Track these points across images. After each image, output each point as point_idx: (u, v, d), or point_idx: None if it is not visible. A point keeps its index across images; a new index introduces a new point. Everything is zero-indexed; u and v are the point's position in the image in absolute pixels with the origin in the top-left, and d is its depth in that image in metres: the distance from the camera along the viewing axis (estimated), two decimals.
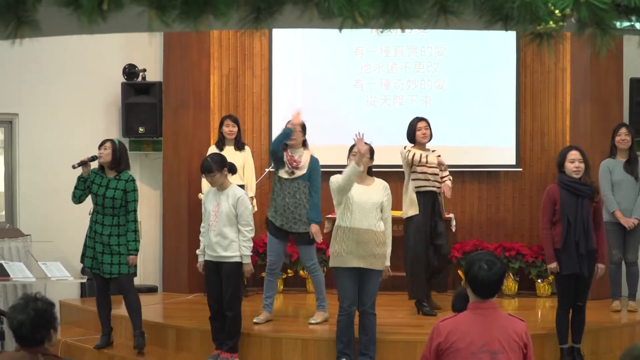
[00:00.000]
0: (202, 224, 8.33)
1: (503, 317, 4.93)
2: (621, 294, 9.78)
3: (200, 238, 8.34)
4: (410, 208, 9.36)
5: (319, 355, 8.30)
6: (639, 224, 9.45)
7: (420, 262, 9.34)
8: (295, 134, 8.77)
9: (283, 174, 8.80)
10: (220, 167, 8.07)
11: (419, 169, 9.29)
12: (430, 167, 9.34)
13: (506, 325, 4.85)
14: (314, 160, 8.86)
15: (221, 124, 10.18)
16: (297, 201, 8.75)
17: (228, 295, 8.14)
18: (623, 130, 9.54)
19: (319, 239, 8.84)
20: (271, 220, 8.85)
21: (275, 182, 8.91)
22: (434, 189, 9.36)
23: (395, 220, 10.67)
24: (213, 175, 8.04)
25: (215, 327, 8.29)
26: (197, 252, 8.39)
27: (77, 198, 8.61)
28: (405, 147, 9.44)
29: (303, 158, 8.82)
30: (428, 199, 9.34)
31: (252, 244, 8.19)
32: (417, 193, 9.33)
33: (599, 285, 9.48)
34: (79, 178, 8.56)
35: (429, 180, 9.32)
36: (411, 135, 9.48)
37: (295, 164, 8.76)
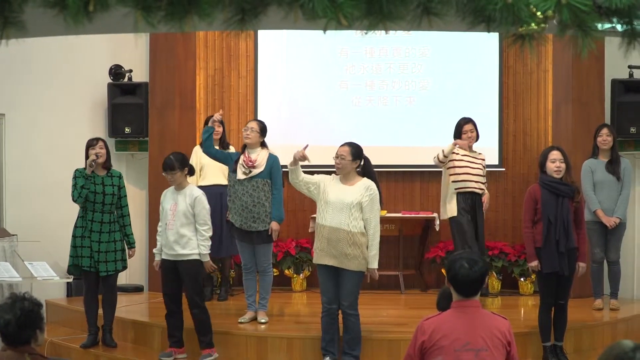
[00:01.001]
0: (160, 224, 8.38)
1: (486, 315, 4.97)
2: (603, 292, 9.85)
3: (158, 237, 8.38)
4: (450, 210, 9.37)
5: (304, 354, 8.32)
6: (620, 223, 9.53)
7: None
8: (248, 132, 8.86)
9: (240, 175, 8.79)
10: (182, 166, 8.15)
11: (459, 169, 9.30)
12: (474, 167, 9.37)
13: (489, 323, 4.89)
14: (272, 158, 8.86)
15: (206, 124, 10.20)
16: (255, 200, 8.73)
17: (190, 293, 8.18)
18: (604, 130, 9.60)
19: (275, 236, 8.87)
20: (232, 222, 8.89)
21: (231, 185, 8.91)
22: (476, 189, 9.38)
23: (388, 220, 10.76)
24: (174, 173, 8.11)
25: (171, 325, 8.33)
26: (154, 251, 8.45)
27: (84, 197, 8.58)
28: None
29: (260, 157, 8.81)
30: (469, 199, 9.34)
31: (210, 242, 8.23)
32: (458, 194, 9.36)
33: (581, 284, 9.58)
34: (85, 177, 8.52)
35: (471, 181, 9.35)
36: (457, 136, 9.52)
37: (251, 163, 8.75)
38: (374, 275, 7.77)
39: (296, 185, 7.89)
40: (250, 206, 8.72)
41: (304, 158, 7.69)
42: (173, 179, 8.16)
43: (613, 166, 9.51)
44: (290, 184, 8.00)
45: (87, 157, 8.57)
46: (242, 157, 8.85)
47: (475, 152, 9.61)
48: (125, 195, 8.82)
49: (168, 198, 8.31)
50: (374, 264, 7.73)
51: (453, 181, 9.40)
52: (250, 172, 8.75)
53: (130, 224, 8.85)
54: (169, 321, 8.34)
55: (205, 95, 11.55)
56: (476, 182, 9.40)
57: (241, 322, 8.88)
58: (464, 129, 9.48)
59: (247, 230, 8.79)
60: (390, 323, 9.08)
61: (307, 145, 7.80)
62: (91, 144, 8.62)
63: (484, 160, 9.60)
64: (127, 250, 8.88)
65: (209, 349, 8.22)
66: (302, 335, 8.49)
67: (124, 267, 8.88)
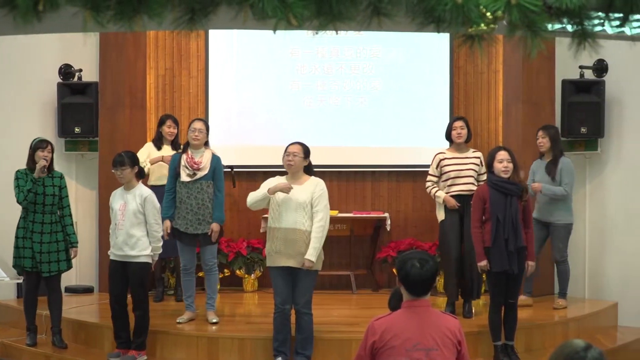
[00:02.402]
0: (111, 225, 8.34)
1: (436, 315, 4.99)
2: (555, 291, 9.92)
3: (111, 241, 8.33)
4: (439, 213, 9.34)
5: (255, 354, 8.31)
6: (561, 224, 9.56)
7: (450, 264, 9.22)
8: (197, 134, 8.81)
9: (185, 177, 8.75)
10: (132, 163, 8.14)
11: (449, 174, 9.26)
12: (463, 168, 9.29)
13: (439, 323, 4.91)
14: (216, 159, 8.84)
15: (162, 123, 10.10)
16: (199, 202, 8.71)
17: (136, 294, 8.18)
18: (539, 133, 9.67)
19: (214, 238, 8.82)
20: (175, 227, 8.80)
21: (177, 188, 8.82)
22: (464, 192, 9.21)
23: (339, 220, 10.77)
24: (124, 169, 8.08)
25: (117, 326, 8.30)
26: (109, 252, 8.37)
27: (29, 201, 8.54)
28: (437, 154, 9.46)
29: (204, 158, 8.79)
30: (458, 201, 9.19)
31: (161, 242, 8.25)
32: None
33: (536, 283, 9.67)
34: (33, 181, 8.48)
35: (459, 184, 9.25)
36: (448, 135, 9.47)
37: (196, 165, 8.73)
38: (308, 264, 7.62)
39: (255, 209, 7.97)
40: (195, 209, 8.71)
41: (288, 191, 7.64)
42: (122, 176, 8.11)
43: (551, 167, 9.57)
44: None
45: (31, 156, 8.54)
46: (184, 157, 8.81)
47: (469, 150, 9.53)
48: (67, 196, 8.79)
49: (117, 198, 8.27)
50: (312, 257, 7.61)
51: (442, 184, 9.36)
52: (195, 174, 8.72)
53: (71, 224, 8.81)
54: (115, 322, 8.31)
55: (156, 95, 11.49)
56: (464, 183, 9.26)
57: (179, 322, 8.86)
58: (454, 125, 9.41)
59: (193, 233, 8.78)
60: (341, 323, 9.07)
61: (292, 188, 7.68)
62: (41, 146, 8.57)
63: (478, 158, 9.43)
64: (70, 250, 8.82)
65: (139, 351, 8.24)
66: (254, 335, 8.48)
67: (69, 267, 8.86)
